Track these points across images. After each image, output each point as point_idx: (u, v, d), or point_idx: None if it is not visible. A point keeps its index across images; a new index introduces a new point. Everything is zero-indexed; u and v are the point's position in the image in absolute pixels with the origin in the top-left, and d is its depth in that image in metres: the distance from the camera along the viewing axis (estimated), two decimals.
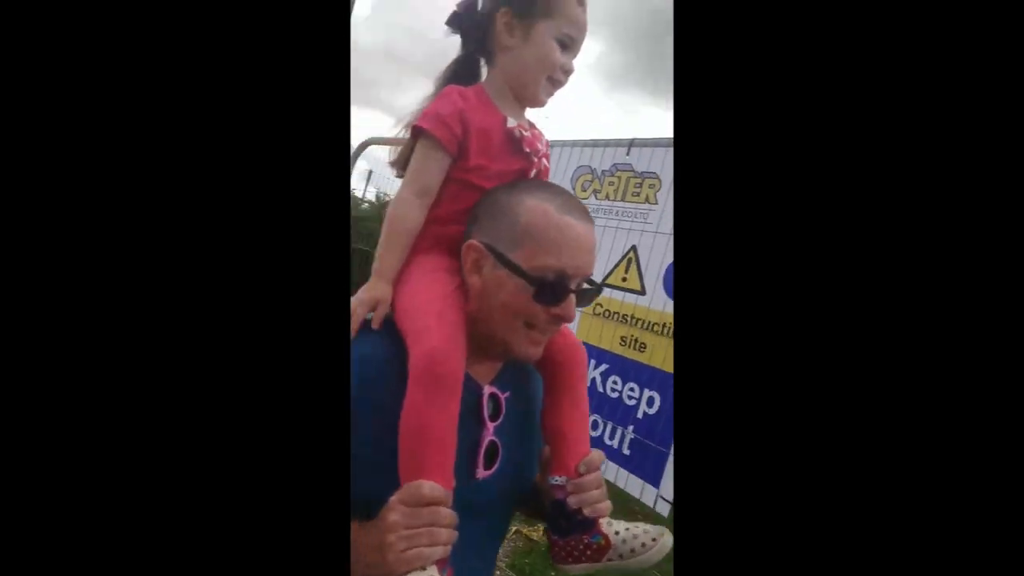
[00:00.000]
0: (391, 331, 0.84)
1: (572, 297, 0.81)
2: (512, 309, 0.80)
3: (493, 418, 0.86)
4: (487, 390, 0.86)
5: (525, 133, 0.90)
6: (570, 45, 0.92)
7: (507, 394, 0.89)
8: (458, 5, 0.95)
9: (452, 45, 0.98)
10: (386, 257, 0.87)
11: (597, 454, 0.88)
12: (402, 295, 0.86)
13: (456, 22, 0.96)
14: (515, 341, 0.82)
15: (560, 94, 0.97)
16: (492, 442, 0.85)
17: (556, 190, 0.85)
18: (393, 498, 0.72)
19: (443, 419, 0.76)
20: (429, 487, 0.71)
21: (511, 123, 0.90)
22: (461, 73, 0.97)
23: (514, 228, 0.80)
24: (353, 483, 0.62)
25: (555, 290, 0.79)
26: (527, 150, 0.89)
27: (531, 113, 0.99)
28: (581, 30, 0.93)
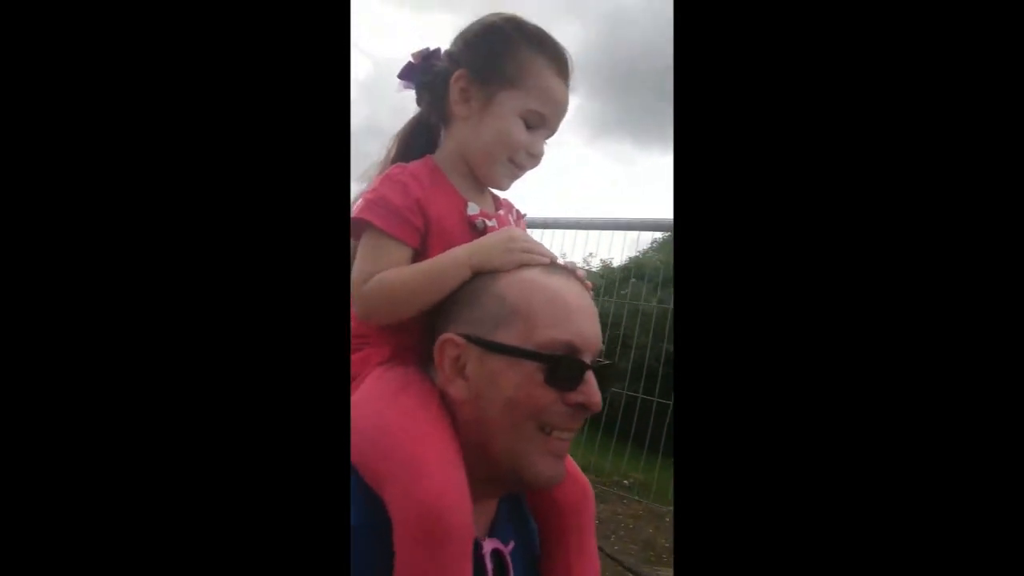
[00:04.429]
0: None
1: (591, 376, 0.64)
2: (520, 406, 0.62)
3: None
4: (488, 546, 0.66)
5: (489, 223, 0.75)
6: (538, 124, 0.76)
7: (511, 545, 0.69)
8: (413, 55, 0.79)
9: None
10: (433, 277, 0.68)
11: None
12: (363, 424, 0.63)
13: (408, 75, 0.80)
14: (529, 455, 0.63)
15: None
16: None
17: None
18: None
19: None
20: None
21: (472, 210, 0.75)
22: (416, 139, 0.82)
23: (498, 307, 0.64)
24: None
25: (570, 369, 0.62)
26: None
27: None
28: (556, 107, 0.76)
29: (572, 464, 0.73)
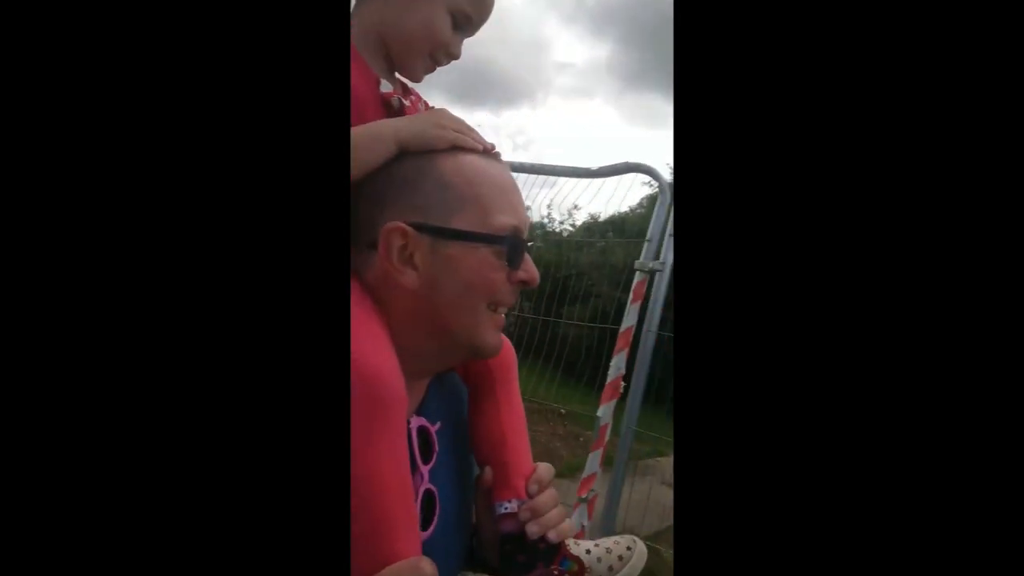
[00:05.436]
0: None
1: (527, 255, 0.69)
2: (478, 288, 0.65)
3: (425, 460, 0.70)
4: (414, 423, 0.69)
5: (405, 103, 0.75)
6: (464, 25, 0.77)
7: (437, 425, 0.72)
8: None
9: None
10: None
11: (546, 468, 0.76)
12: None
13: None
14: (482, 330, 0.68)
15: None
16: (428, 492, 0.69)
17: None
18: None
19: (398, 460, 0.61)
20: (429, 566, 0.57)
21: (385, 87, 0.74)
22: None
23: (446, 193, 0.65)
24: None
25: (519, 249, 0.67)
26: None
27: None
28: (483, 10, 0.77)
29: None
